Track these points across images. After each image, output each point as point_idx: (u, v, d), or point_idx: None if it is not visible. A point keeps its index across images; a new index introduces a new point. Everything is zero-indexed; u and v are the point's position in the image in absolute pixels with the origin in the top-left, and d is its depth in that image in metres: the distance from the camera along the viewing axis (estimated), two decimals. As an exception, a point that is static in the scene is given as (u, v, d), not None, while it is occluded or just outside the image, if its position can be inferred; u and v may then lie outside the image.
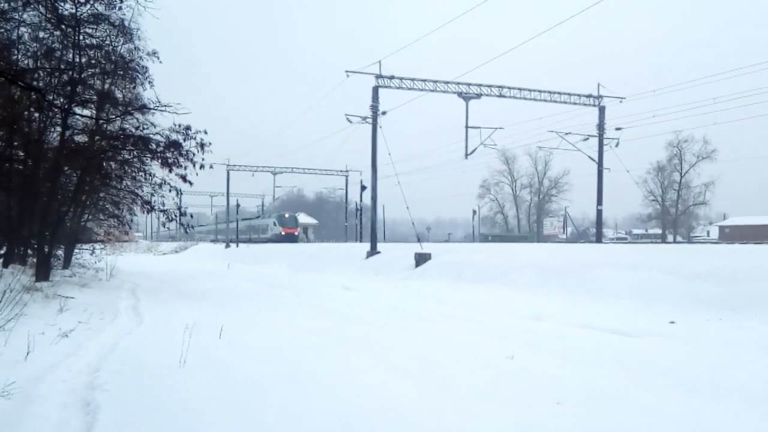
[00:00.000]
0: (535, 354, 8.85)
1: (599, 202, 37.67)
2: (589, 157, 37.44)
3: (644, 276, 14.64)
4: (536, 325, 11.89)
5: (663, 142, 72.69)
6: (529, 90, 35.35)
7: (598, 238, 40.45)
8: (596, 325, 11.43)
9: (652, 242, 52.82)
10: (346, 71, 31.34)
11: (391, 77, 31.81)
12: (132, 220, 27.57)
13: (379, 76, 31.41)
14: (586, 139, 37.46)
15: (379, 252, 30.38)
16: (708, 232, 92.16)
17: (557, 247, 23.07)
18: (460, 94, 33.99)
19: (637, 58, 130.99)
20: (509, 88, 34.74)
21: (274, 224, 70.14)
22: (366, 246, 31.92)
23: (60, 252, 24.28)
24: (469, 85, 33.90)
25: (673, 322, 11.32)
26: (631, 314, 12.42)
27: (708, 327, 10.85)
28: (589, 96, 36.49)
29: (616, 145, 36.96)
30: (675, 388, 6.83)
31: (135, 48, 19.60)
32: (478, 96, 34.17)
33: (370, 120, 31.84)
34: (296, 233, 69.75)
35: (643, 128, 41.17)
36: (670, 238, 78.06)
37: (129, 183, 21.52)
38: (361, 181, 54.98)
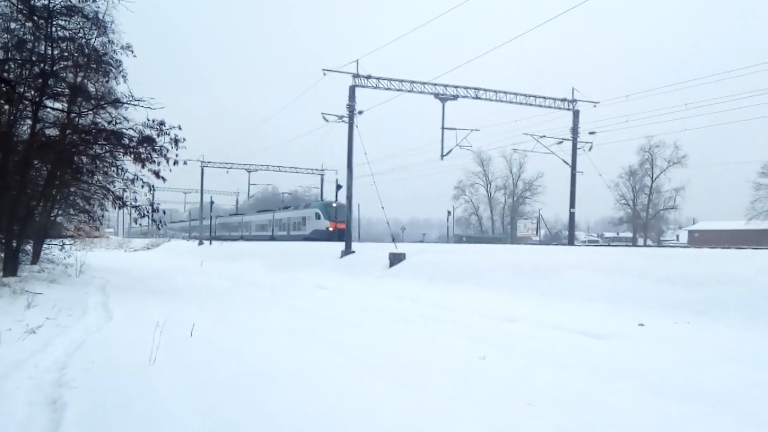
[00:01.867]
0: (506, 355, 8.92)
1: (572, 204, 38.06)
2: (563, 160, 37.82)
3: (615, 279, 14.84)
4: (508, 326, 11.97)
5: (635, 147, 73.61)
6: (505, 93, 35.61)
7: (571, 240, 40.85)
8: (567, 326, 11.55)
9: (623, 245, 53.52)
10: (323, 70, 31.23)
11: (368, 77, 31.79)
12: (103, 216, 27.19)
13: (356, 76, 31.38)
14: (560, 143, 37.84)
15: (353, 251, 30.36)
16: (677, 237, 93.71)
17: (530, 249, 23.27)
18: (436, 95, 34.11)
19: (612, 64, 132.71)
20: (485, 90, 34.95)
21: (317, 216, 51.66)
22: (341, 245, 31.86)
23: (28, 247, 23.88)
24: (445, 86, 34.03)
25: (642, 325, 11.49)
26: (601, 316, 12.58)
27: (676, 330, 11.03)
28: (563, 100, 36.86)
29: (590, 149, 37.39)
30: (643, 390, 6.93)
31: (109, 41, 19.32)
32: (455, 97, 34.32)
33: (346, 119, 31.81)
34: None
35: (616, 133, 41.77)
36: (640, 241, 79.17)
37: (100, 178, 21.21)
38: (337, 180, 54.79)
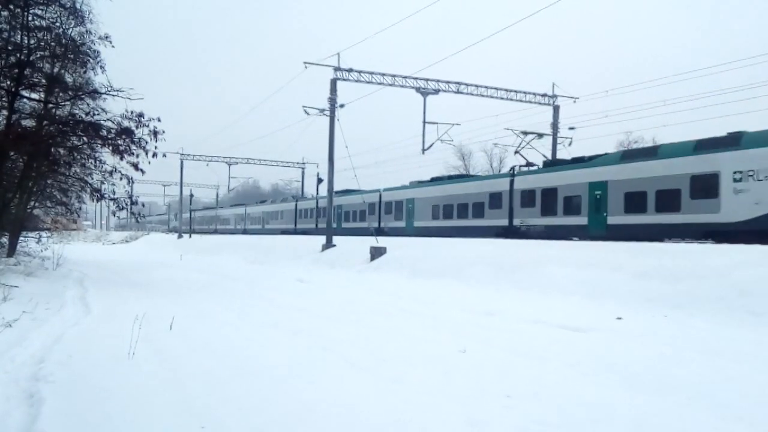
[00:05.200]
0: (486, 348, 8.97)
1: (552, 199, 38.24)
2: (543, 155, 38.00)
3: (593, 273, 14.99)
4: (488, 320, 12.04)
5: (614, 142, 74.23)
6: (486, 87, 35.73)
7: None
8: (546, 320, 11.64)
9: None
10: (305, 62, 31.15)
11: (350, 70, 31.73)
12: (81, 209, 26.94)
13: (337, 69, 31.30)
14: (540, 137, 38.02)
15: (334, 245, 30.33)
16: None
17: (510, 244, 23.39)
18: (418, 90, 34.16)
19: (592, 60, 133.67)
20: (467, 84, 35.06)
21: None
22: (321, 239, 31.81)
23: (4, 240, 23.54)
24: (427, 80, 34.08)
25: (620, 319, 11.62)
26: (579, 310, 12.70)
27: (653, 323, 11.17)
28: (544, 95, 37.07)
29: (570, 144, 37.63)
30: (620, 383, 7.01)
31: (86, 31, 19.02)
32: (436, 92, 34.40)
33: (327, 112, 31.73)
34: None
35: (596, 128, 42.01)
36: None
37: (78, 170, 20.97)
38: (318, 174, 54.77)
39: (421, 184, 39.77)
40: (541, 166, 31.88)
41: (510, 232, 29.85)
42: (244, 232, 63.48)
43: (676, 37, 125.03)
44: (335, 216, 43.05)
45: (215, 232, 70.43)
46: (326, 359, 8.01)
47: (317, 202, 50.93)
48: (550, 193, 27.98)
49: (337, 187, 36.36)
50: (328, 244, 30.51)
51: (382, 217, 41.73)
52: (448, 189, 35.55)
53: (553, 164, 30.98)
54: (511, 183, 30.62)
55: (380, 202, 42.20)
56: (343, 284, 19.85)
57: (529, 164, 33.31)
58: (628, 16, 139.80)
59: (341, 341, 9.33)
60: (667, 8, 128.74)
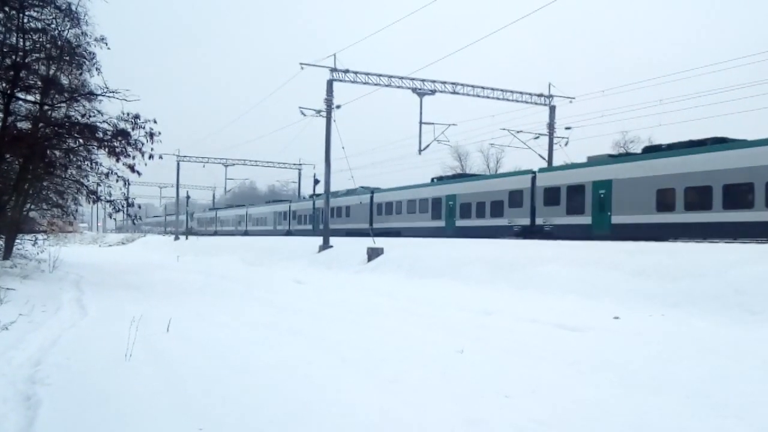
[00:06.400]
0: (484, 348, 8.97)
1: (548, 199, 38.27)
2: (539, 155, 38.08)
3: (591, 272, 15.00)
4: (486, 320, 12.04)
5: (610, 142, 74.40)
6: (482, 88, 35.73)
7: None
8: (544, 319, 11.65)
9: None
10: (301, 64, 31.11)
11: (346, 71, 31.71)
12: (77, 211, 26.84)
13: (333, 70, 31.28)
14: (536, 138, 38.09)
15: (331, 246, 30.30)
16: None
17: (507, 243, 23.42)
18: (414, 90, 34.14)
19: (589, 59, 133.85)
20: (463, 85, 35.05)
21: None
22: (318, 240, 31.78)
23: (0, 242, 23.46)
24: (423, 81, 34.08)
25: (617, 318, 11.63)
26: (577, 309, 12.71)
27: (650, 322, 11.18)
28: (540, 95, 37.09)
29: (566, 144, 37.70)
30: (618, 382, 7.02)
31: (82, 33, 18.99)
32: (432, 92, 34.39)
33: (324, 113, 31.70)
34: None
35: (592, 128, 42.16)
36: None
37: (74, 172, 20.92)
38: (315, 175, 54.66)
39: (433, 182, 39.27)
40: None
41: (532, 231, 28.65)
42: (245, 233, 62.50)
43: (674, 36, 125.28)
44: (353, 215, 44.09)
45: (215, 233, 69.99)
46: (324, 359, 8.01)
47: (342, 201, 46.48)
48: (576, 190, 26.63)
49: (335, 187, 36.34)
50: (325, 246, 30.48)
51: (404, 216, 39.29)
52: (462, 188, 34.59)
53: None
54: (533, 180, 29.51)
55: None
56: (340, 285, 19.84)
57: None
58: (625, 16, 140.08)
59: (339, 341, 9.33)
60: (665, 7, 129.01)
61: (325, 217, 32.99)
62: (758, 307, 10.79)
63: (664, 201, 22.84)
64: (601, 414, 5.75)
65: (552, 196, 28.05)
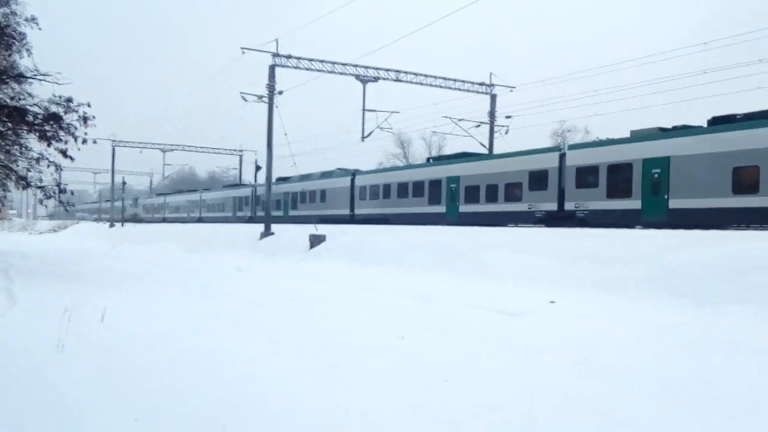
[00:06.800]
0: (425, 334, 9.06)
1: (489, 187, 38.83)
2: (480, 143, 38.52)
3: (530, 258, 15.31)
4: (428, 306, 12.17)
5: (549, 131, 76.10)
6: (425, 75, 35.90)
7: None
8: (484, 305, 11.85)
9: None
10: (242, 48, 30.57)
11: (289, 56, 31.34)
12: (5, 197, 25.72)
13: (276, 55, 30.86)
14: (478, 126, 38.52)
15: (273, 233, 30.01)
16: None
17: (451, 230, 23.65)
18: (357, 77, 34.02)
19: (529, 49, 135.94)
20: (406, 72, 35.13)
21: None
22: (260, 227, 31.42)
23: None
24: (366, 68, 33.98)
25: (553, 302, 11.93)
26: (516, 295, 12.97)
27: (586, 306, 11.51)
28: (481, 84, 37.52)
29: (506, 133, 38.24)
30: (555, 365, 7.21)
31: (11, 12, 18.14)
32: (375, 79, 34.34)
33: (266, 99, 31.27)
34: None
35: (532, 117, 42.84)
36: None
37: (2, 157, 20.04)
38: (256, 161, 53.87)
39: (430, 163, 34.91)
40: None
41: (560, 218, 24.77)
42: (199, 220, 59.65)
43: (615, 26, 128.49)
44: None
45: (163, 220, 68.00)
46: (265, 347, 7.93)
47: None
48: (621, 170, 22.74)
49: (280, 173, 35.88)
50: (267, 233, 30.17)
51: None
52: (468, 168, 30.24)
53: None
54: (562, 158, 25.50)
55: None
56: (282, 272, 19.69)
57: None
58: (566, 6, 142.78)
59: (280, 329, 9.25)
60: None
61: (266, 202, 32.63)
62: (688, 290, 11.23)
63: (745, 181, 19.30)
64: (538, 396, 5.89)
65: (587, 176, 24.20)
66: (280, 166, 34.29)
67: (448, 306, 12.05)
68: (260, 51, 30.68)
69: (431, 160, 35.97)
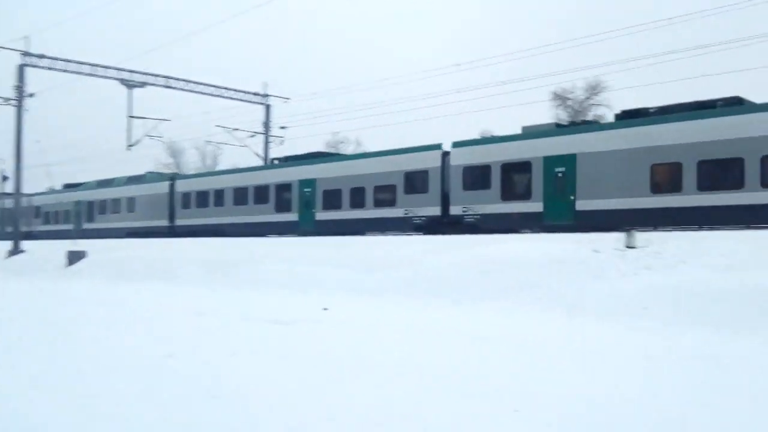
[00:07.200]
0: (195, 350, 8.69)
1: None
2: (256, 153, 38.37)
3: (303, 268, 15.54)
4: (198, 320, 11.71)
5: (323, 142, 78.14)
6: (197, 83, 34.94)
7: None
8: (257, 316, 11.72)
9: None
10: (-18, 43, 27.15)
11: (41, 56, 28.50)
12: None
13: (26, 54, 27.88)
14: (252, 136, 38.33)
15: (23, 251, 26.97)
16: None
17: (222, 242, 23.14)
18: (122, 81, 32.03)
19: (304, 61, 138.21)
20: (176, 79, 33.88)
21: None
22: (7, 244, 28.04)
23: None
24: (132, 72, 32.15)
25: (326, 309, 12.20)
26: (290, 304, 13.06)
27: (356, 311, 11.94)
28: (256, 94, 37.42)
29: (281, 143, 38.53)
30: (326, 370, 7.32)
31: None
32: (143, 85, 32.61)
33: (14, 102, 28.07)
34: None
35: (306, 128, 43.64)
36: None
37: None
38: (3, 171, 48.09)
39: (276, 165, 31.03)
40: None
41: (445, 224, 22.67)
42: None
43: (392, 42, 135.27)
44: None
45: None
46: (9, 380, 7.02)
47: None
48: (518, 169, 21.03)
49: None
50: (16, 250, 27.04)
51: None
52: (326, 170, 27.23)
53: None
54: (445, 157, 23.34)
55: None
56: (34, 293, 17.69)
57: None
58: (344, 18, 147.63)
59: (25, 357, 8.27)
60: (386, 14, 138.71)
61: (15, 218, 29.21)
62: (443, 290, 12.20)
63: (666, 180, 18.36)
64: (309, 403, 5.93)
65: (477, 177, 22.11)
66: (32, 175, 30.90)
67: (220, 319, 11.71)
68: (6, 48, 27.56)
69: (277, 162, 31.99)
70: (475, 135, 35.46)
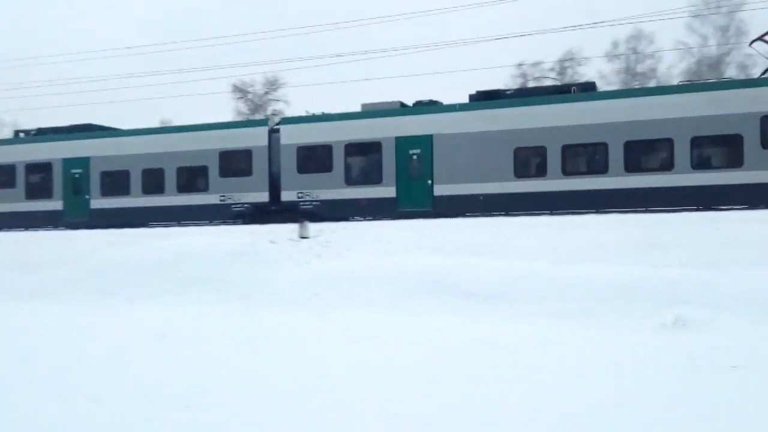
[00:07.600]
0: None
1: None
2: None
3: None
4: None
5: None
6: None
7: None
8: None
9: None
10: None
11: None
12: None
13: None
14: None
15: None
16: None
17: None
18: None
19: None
20: None
21: None
22: None
23: None
24: None
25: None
26: None
27: None
28: None
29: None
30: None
31: None
32: None
33: None
34: None
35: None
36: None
37: None
38: None
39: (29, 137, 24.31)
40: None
41: (272, 212, 20.01)
42: None
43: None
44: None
45: None
46: None
47: None
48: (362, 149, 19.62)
49: None
50: None
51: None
52: (105, 146, 22.25)
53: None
54: (272, 134, 20.74)
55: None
56: None
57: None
58: None
59: None
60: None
61: None
62: (116, 288, 11.47)
63: (530, 164, 18.18)
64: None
65: (316, 159, 20.12)
66: None
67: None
68: None
69: (30, 133, 25.07)
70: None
